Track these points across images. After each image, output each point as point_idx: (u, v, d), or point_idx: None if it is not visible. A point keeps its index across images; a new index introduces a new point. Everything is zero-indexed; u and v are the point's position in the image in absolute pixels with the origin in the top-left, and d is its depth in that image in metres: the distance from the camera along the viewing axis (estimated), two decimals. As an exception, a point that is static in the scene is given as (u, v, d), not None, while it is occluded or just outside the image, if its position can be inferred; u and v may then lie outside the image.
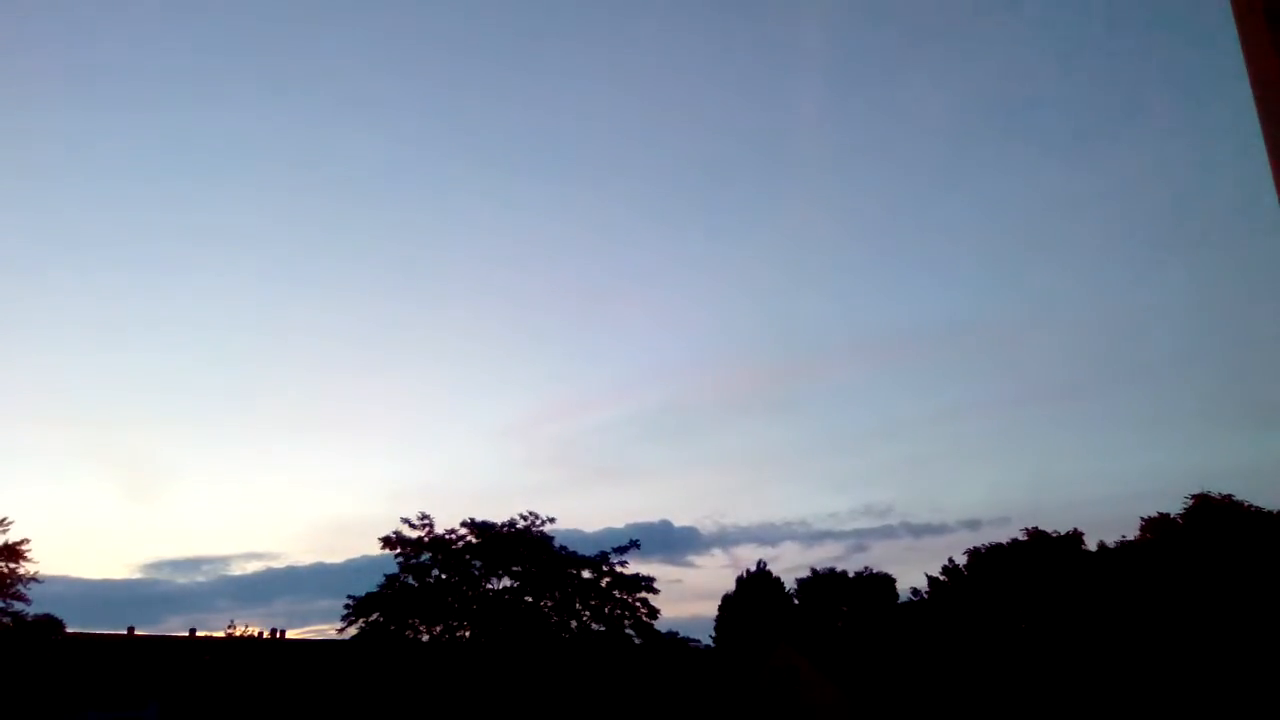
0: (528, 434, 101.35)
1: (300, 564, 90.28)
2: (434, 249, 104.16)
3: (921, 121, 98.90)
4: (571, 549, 42.85)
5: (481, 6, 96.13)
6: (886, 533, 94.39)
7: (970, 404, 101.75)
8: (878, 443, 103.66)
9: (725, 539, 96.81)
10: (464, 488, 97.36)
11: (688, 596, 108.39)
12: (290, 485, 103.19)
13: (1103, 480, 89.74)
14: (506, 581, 41.64)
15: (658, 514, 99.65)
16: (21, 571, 42.14)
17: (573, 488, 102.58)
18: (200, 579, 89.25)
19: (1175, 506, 46.35)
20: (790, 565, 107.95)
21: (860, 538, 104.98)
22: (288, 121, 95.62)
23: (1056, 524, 51.00)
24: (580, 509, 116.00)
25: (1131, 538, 48.05)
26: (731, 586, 66.32)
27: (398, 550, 41.48)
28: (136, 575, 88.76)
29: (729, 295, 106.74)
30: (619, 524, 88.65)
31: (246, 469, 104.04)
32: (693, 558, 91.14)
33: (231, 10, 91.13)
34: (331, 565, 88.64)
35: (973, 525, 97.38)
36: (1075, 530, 49.76)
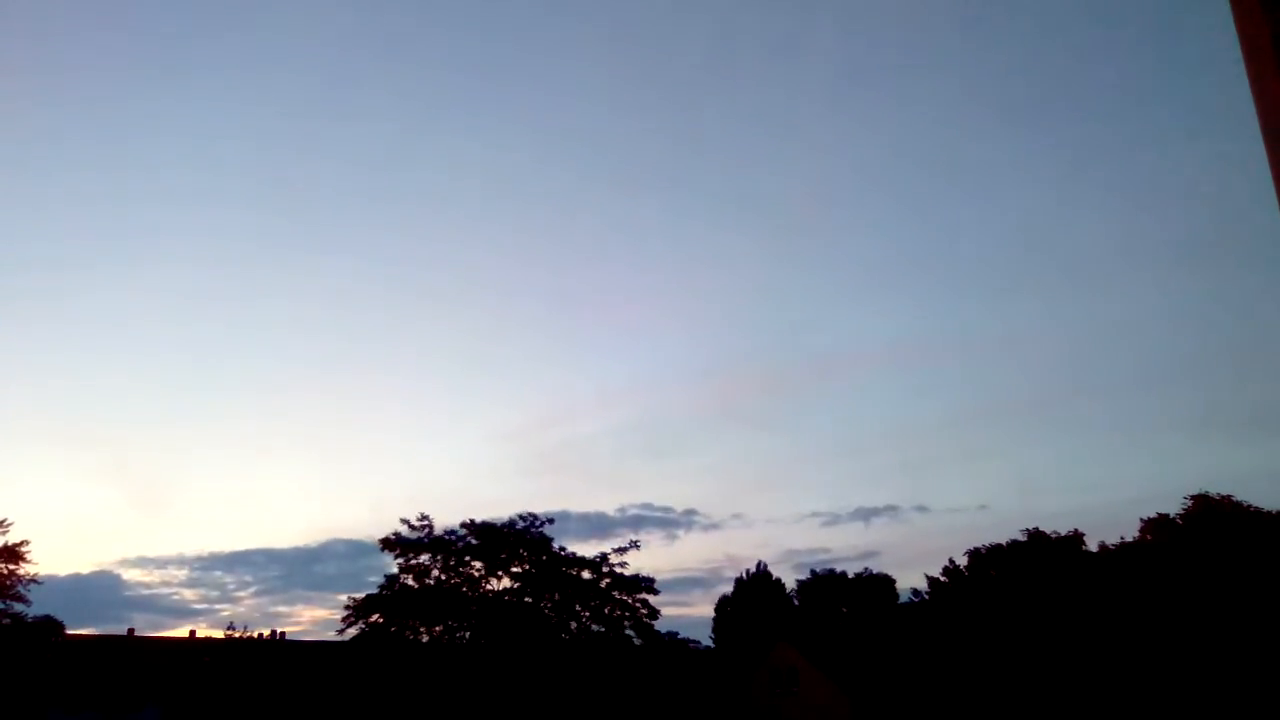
0: (519, 441, 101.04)
1: (247, 549, 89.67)
2: (428, 255, 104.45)
3: (922, 130, 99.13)
4: (566, 541, 42.97)
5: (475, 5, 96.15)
6: (887, 533, 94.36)
7: (971, 408, 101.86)
8: (878, 446, 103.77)
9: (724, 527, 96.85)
10: (452, 493, 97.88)
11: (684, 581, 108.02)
12: (270, 491, 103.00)
13: (1104, 484, 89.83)
14: (506, 582, 41.61)
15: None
16: (21, 573, 42.15)
17: (567, 495, 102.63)
18: (157, 572, 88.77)
19: (1175, 508, 46.32)
20: (788, 566, 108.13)
21: (860, 538, 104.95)
22: (285, 122, 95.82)
23: (1057, 526, 50.94)
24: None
25: (1131, 539, 48.00)
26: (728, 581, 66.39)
27: (397, 551, 41.42)
28: (87, 570, 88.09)
29: (727, 304, 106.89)
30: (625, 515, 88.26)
31: (225, 473, 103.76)
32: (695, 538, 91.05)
33: (238, 23, 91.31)
34: (282, 550, 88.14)
35: (972, 526, 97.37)
36: (1075, 531, 49.71)
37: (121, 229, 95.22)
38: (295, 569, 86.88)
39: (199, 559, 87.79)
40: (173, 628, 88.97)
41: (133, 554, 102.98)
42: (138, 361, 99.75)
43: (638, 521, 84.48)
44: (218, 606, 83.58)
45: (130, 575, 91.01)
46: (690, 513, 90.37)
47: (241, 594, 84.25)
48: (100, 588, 77.41)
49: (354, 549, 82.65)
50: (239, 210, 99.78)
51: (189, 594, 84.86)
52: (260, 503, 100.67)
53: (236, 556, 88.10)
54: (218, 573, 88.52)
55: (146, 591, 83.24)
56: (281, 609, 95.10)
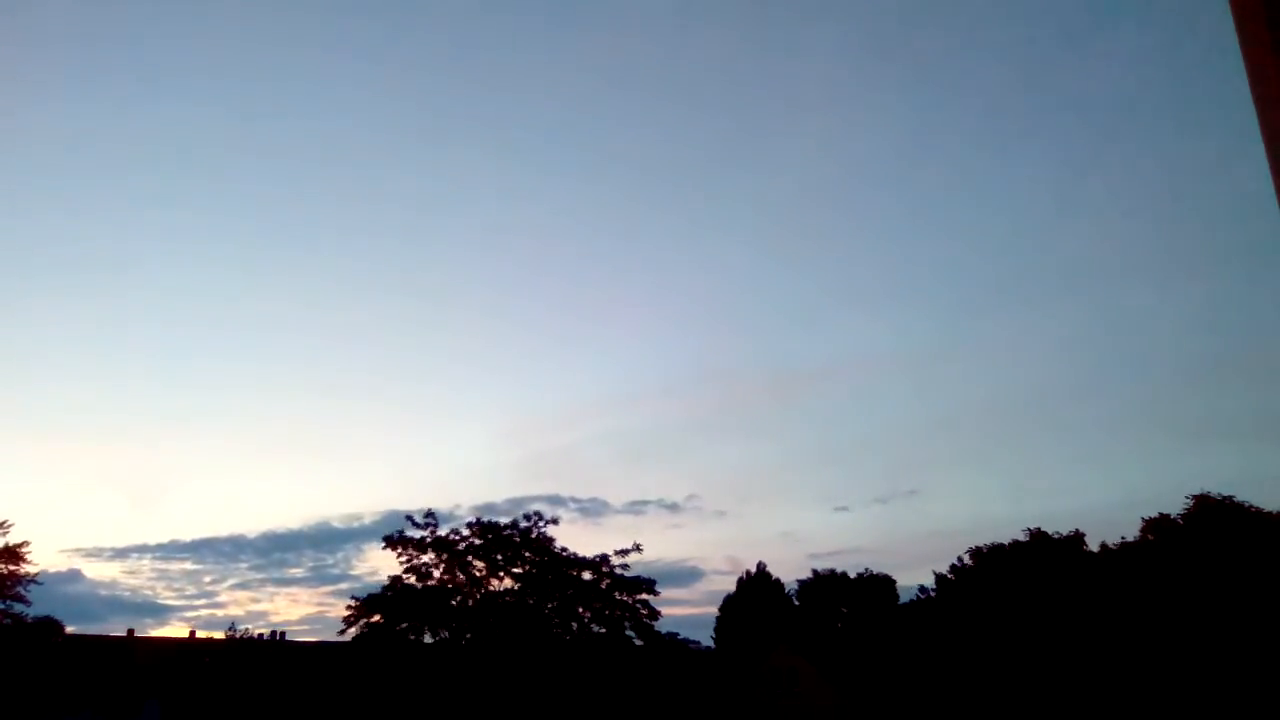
0: (514, 443, 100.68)
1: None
2: (425, 258, 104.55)
3: (920, 133, 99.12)
4: (561, 527, 43.02)
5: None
6: (888, 534, 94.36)
7: (971, 410, 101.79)
8: (878, 449, 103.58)
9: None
10: (444, 491, 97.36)
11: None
12: (255, 485, 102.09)
13: (1104, 485, 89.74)
14: (508, 583, 41.62)
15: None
16: (21, 573, 42.18)
17: (564, 495, 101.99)
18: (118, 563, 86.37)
19: (1176, 509, 46.28)
20: (787, 566, 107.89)
21: (860, 539, 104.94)
22: (284, 124, 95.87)
23: (1057, 526, 50.88)
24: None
25: (1132, 539, 47.96)
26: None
27: (400, 550, 41.45)
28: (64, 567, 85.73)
29: (727, 308, 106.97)
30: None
31: (212, 471, 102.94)
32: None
33: (217, 6, 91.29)
34: (268, 542, 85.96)
35: (973, 527, 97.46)
36: (1077, 531, 49.70)
37: (131, 235, 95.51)
38: (277, 561, 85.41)
39: (161, 546, 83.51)
40: (146, 622, 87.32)
41: (89, 544, 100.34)
42: (119, 358, 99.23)
43: (637, 510, 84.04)
44: (195, 602, 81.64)
45: (90, 567, 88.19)
46: (693, 498, 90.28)
47: (217, 587, 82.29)
48: (63, 581, 75.58)
49: (333, 538, 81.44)
50: (234, 212, 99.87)
51: (159, 586, 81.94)
52: (246, 498, 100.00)
53: (209, 547, 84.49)
54: (188, 564, 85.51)
55: (121, 586, 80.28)
56: (264, 605, 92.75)
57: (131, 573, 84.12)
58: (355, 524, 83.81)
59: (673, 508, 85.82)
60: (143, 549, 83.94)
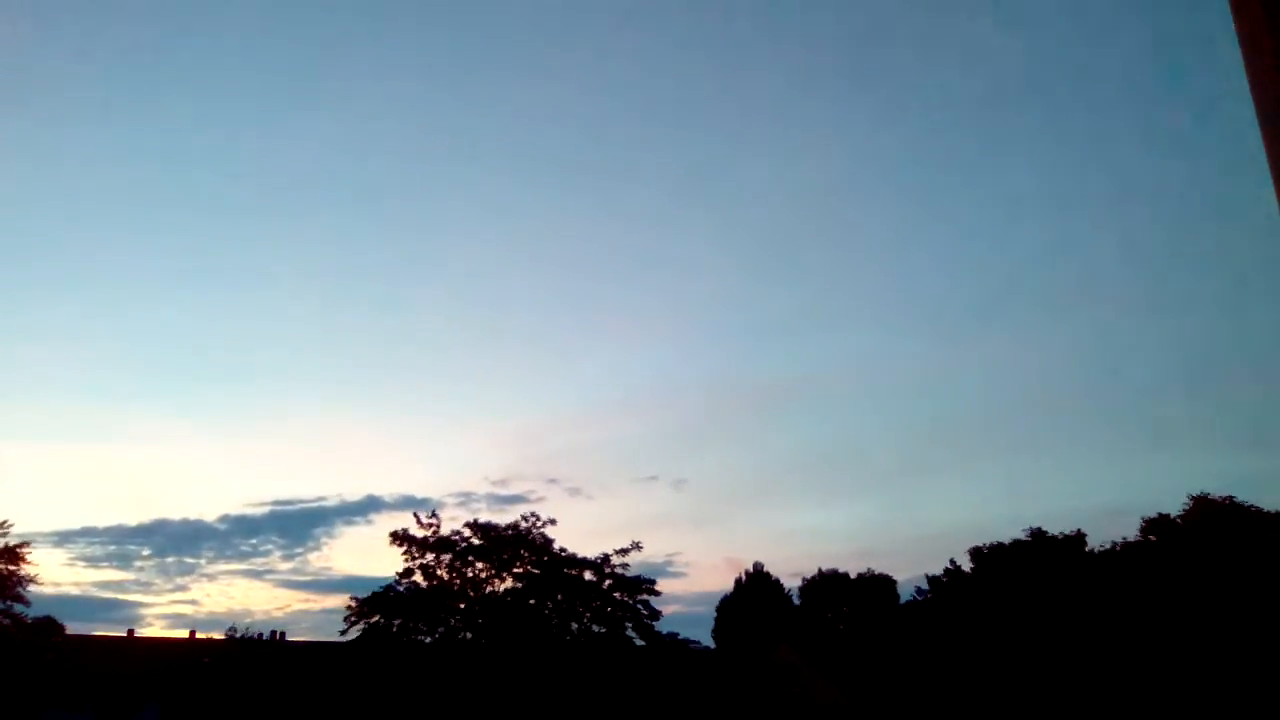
0: (498, 450, 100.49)
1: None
2: (417, 255, 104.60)
3: (895, 154, 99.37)
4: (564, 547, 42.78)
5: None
6: (887, 535, 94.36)
7: (972, 411, 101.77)
8: (876, 451, 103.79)
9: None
10: (433, 489, 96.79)
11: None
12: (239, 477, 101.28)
13: (1103, 487, 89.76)
14: (510, 583, 41.61)
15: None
16: (21, 573, 42.19)
17: (553, 499, 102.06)
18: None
19: (1175, 509, 46.25)
20: (785, 567, 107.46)
21: (860, 540, 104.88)
22: (282, 126, 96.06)
23: (1058, 527, 50.81)
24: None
25: (1132, 539, 47.92)
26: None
27: (404, 547, 41.50)
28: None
29: (719, 317, 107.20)
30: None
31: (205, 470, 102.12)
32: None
33: (229, 23, 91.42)
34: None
35: (972, 529, 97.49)
36: (1078, 531, 49.65)
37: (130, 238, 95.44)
38: (245, 552, 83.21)
39: (109, 530, 79.74)
40: (116, 619, 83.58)
41: (27, 529, 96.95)
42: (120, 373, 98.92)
43: (638, 488, 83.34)
44: (167, 597, 79.10)
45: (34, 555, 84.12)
46: (686, 492, 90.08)
47: (186, 579, 79.26)
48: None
49: (301, 522, 77.86)
50: (212, 197, 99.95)
51: (125, 579, 79.80)
52: (205, 479, 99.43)
53: (161, 531, 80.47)
54: (146, 551, 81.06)
55: (84, 581, 75.71)
56: (245, 603, 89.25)
57: (86, 561, 77.23)
58: (322, 505, 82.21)
59: (673, 486, 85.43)
60: (90, 533, 77.97)
